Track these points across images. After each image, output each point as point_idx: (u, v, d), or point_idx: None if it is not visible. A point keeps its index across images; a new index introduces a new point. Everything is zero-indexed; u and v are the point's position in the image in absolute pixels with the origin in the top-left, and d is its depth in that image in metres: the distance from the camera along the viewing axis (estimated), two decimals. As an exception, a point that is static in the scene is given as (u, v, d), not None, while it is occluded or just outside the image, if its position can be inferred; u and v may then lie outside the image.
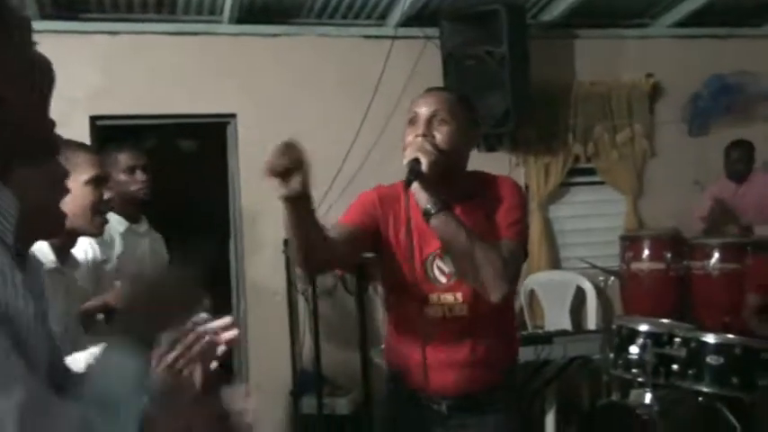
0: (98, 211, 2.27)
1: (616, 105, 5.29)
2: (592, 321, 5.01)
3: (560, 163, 5.22)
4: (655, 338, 3.20)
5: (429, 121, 2.04)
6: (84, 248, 2.76)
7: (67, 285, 2.23)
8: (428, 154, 1.96)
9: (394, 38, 4.91)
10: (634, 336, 3.26)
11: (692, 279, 4.71)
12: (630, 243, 4.93)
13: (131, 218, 3.32)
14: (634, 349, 3.20)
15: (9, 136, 0.95)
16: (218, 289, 2.50)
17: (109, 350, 1.06)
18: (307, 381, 4.48)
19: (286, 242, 4.58)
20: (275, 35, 4.88)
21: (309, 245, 1.88)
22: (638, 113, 5.32)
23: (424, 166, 1.94)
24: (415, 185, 1.97)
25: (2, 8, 0.92)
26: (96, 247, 2.88)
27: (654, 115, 5.39)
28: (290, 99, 4.78)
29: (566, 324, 4.93)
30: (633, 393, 3.23)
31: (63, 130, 1.19)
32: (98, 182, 2.28)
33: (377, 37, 5.00)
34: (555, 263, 5.27)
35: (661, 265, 4.79)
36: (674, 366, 3.13)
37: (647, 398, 3.11)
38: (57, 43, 2.31)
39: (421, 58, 4.93)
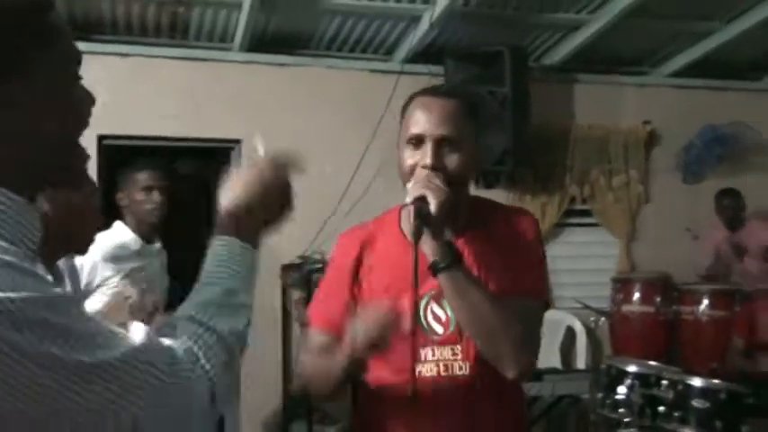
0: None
1: (613, 150, 5.41)
2: (581, 361, 5.08)
3: (556, 203, 5.32)
4: (643, 380, 3.25)
5: (437, 147, 1.62)
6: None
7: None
8: (439, 193, 1.55)
9: (400, 73, 5.02)
10: (622, 376, 3.31)
11: (680, 323, 4.78)
12: (622, 285, 5.00)
13: (145, 237, 3.34)
14: (622, 389, 3.25)
15: (43, 165, 0.98)
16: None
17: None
18: (297, 408, 4.52)
19: (284, 268, 4.66)
20: (284, 65, 5.00)
21: (336, 393, 1.70)
22: (633, 159, 5.44)
23: (434, 207, 1.54)
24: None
25: (62, 38, 0.99)
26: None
27: (649, 161, 5.51)
28: (296, 128, 4.87)
29: (555, 362, 4.99)
30: (620, 432, 3.28)
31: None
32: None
33: (383, 72, 5.12)
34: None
35: (651, 309, 4.85)
36: (661, 408, 3.18)
37: (634, 437, 3.16)
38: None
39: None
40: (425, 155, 1.61)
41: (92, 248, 1.96)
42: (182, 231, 4.26)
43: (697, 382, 3.15)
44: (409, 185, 1.60)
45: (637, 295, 4.92)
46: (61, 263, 1.78)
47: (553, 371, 4.38)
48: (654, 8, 4.53)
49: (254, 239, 1.18)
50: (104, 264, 2.98)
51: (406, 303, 1.63)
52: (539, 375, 4.11)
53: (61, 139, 0.98)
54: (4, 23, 0.90)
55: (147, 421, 0.90)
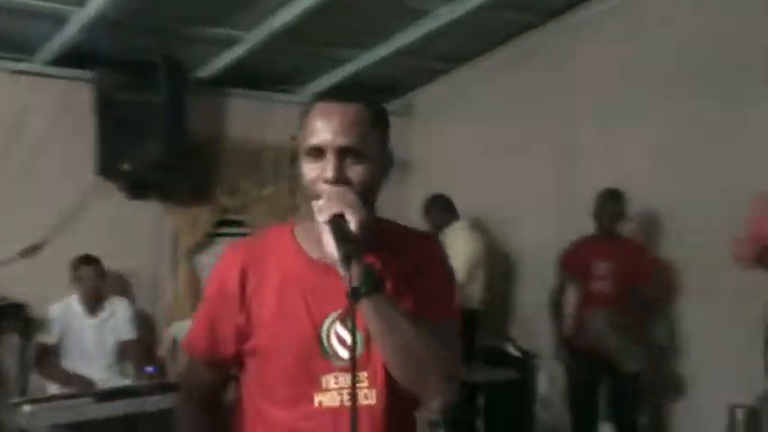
0: None
1: (264, 163, 5.65)
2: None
3: (208, 214, 5.40)
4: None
5: (339, 158, 1.43)
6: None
7: None
8: (359, 210, 1.38)
9: (42, 75, 4.75)
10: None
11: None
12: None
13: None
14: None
15: None
16: None
17: None
18: None
19: None
20: None
21: None
22: (283, 172, 5.73)
23: (355, 225, 1.37)
24: (329, 241, 1.37)
25: None
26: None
27: (297, 174, 5.83)
28: None
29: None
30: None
31: None
32: None
33: (23, 73, 4.78)
34: (199, 311, 5.39)
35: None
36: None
37: None
38: None
39: (71, 101, 4.81)
40: (326, 168, 1.43)
41: None
42: None
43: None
44: (318, 203, 1.40)
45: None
46: None
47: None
48: (302, 33, 4.85)
49: None
50: None
51: (307, 326, 1.48)
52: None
53: None
54: None
55: None
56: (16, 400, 3.62)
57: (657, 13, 4.64)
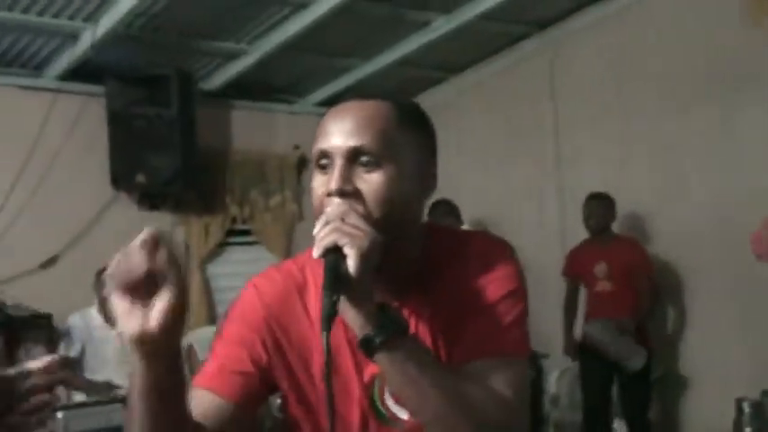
0: None
1: (269, 172, 5.78)
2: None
3: (219, 223, 5.52)
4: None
5: (347, 163, 1.13)
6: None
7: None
8: (358, 239, 1.04)
9: (55, 91, 4.85)
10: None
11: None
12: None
13: None
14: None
15: None
16: None
17: None
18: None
19: None
20: None
21: None
22: (287, 181, 5.86)
23: (353, 263, 1.03)
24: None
25: None
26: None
27: (301, 183, 5.98)
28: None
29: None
30: None
31: None
32: None
33: (35, 89, 4.88)
34: (213, 319, 5.50)
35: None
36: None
37: None
38: None
39: (84, 115, 4.92)
40: (331, 177, 1.12)
41: None
42: None
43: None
44: (316, 228, 1.08)
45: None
46: None
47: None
48: (304, 44, 4.99)
49: None
50: None
51: (355, 387, 1.21)
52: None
53: None
54: None
55: None
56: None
57: (646, 22, 4.81)
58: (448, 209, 5.27)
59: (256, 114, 5.78)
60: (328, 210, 1.10)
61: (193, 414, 1.13)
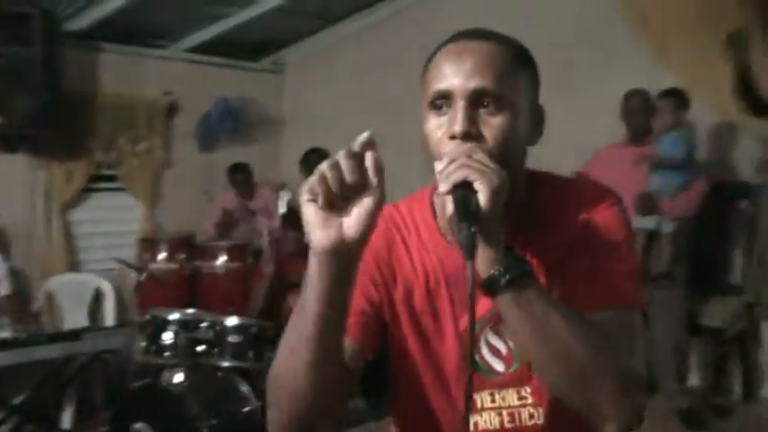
0: None
1: (138, 118, 5.68)
2: (110, 319, 5.29)
3: (83, 169, 5.40)
4: (184, 325, 3.68)
5: (471, 106, 1.11)
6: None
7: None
8: (489, 176, 1.03)
9: None
10: (166, 324, 3.70)
11: (202, 276, 5.35)
12: (148, 245, 5.37)
13: None
14: (167, 336, 3.64)
15: None
16: None
17: None
18: None
19: None
20: None
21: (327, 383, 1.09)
22: (156, 127, 5.79)
23: (484, 198, 1.02)
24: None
25: None
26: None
27: (170, 130, 5.91)
28: None
29: (84, 323, 5.13)
30: (165, 374, 3.65)
31: None
32: None
33: None
34: (74, 265, 5.42)
35: (175, 266, 5.33)
36: (202, 347, 3.66)
37: (179, 377, 3.57)
38: None
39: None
40: (454, 119, 1.11)
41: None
42: None
43: (232, 321, 3.69)
44: (438, 166, 1.07)
45: (162, 254, 5.35)
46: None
47: (89, 329, 4.55)
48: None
49: None
50: None
51: (450, 331, 1.21)
52: (77, 335, 4.25)
53: None
54: None
55: None
56: None
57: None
58: (319, 157, 5.37)
59: (126, 58, 5.64)
60: (452, 148, 1.09)
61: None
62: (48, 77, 4.69)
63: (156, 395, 3.55)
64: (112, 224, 5.68)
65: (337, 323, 1.04)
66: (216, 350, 3.66)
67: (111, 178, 5.69)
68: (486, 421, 1.22)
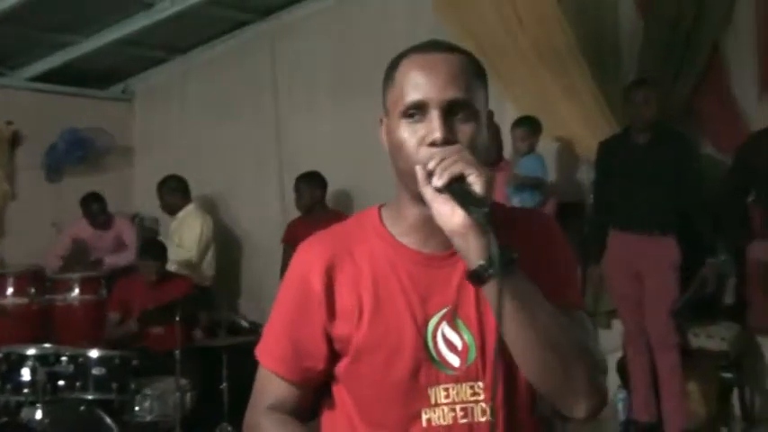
0: None
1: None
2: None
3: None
4: (43, 360, 3.62)
5: (446, 115, 1.19)
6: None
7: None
8: (482, 169, 1.12)
9: None
10: (23, 360, 3.63)
11: (54, 310, 5.20)
12: (-6, 280, 5.17)
13: None
14: (25, 372, 3.57)
15: None
16: None
17: None
18: None
19: None
20: None
21: None
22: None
23: (480, 187, 1.10)
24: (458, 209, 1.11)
25: None
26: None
27: (14, 160, 5.72)
28: None
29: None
30: (24, 411, 3.57)
31: None
32: None
33: None
34: None
35: (25, 300, 5.16)
36: (62, 382, 3.61)
37: (39, 413, 3.51)
38: None
39: None
40: (432, 127, 1.18)
41: None
42: None
43: (95, 353, 3.67)
44: (428, 165, 1.14)
45: (10, 289, 5.17)
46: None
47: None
48: (18, 17, 4.81)
49: None
50: None
51: (410, 329, 1.24)
52: None
53: None
54: None
55: None
56: None
57: (365, 17, 5.28)
58: (178, 185, 5.39)
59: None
60: (435, 151, 1.15)
61: (270, 397, 1.30)
62: None
63: (16, 433, 3.49)
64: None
65: None
66: (78, 384, 3.63)
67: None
68: (439, 417, 1.24)
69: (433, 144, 1.16)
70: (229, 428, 4.12)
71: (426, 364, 1.22)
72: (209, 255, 5.35)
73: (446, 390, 1.23)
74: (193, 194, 5.47)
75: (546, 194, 4.30)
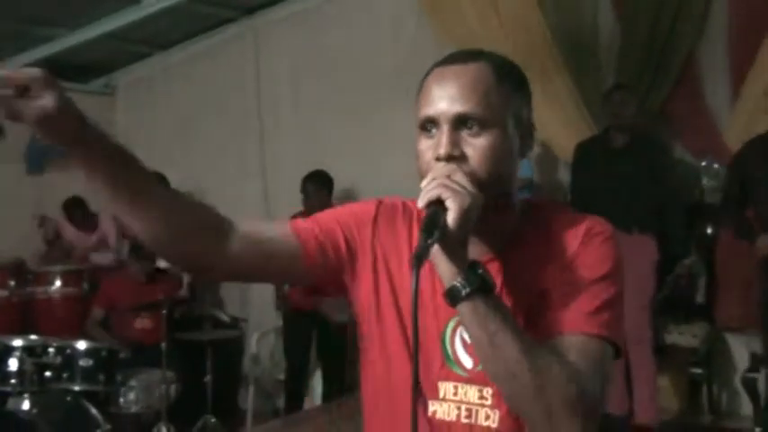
0: None
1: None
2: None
3: None
4: (30, 351, 3.67)
5: (453, 129, 1.19)
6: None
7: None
8: (460, 196, 1.12)
9: None
10: (10, 351, 3.67)
11: (35, 303, 5.23)
12: (-25, 273, 5.18)
13: None
14: (12, 362, 3.61)
15: None
16: None
17: None
18: None
19: None
20: None
21: (155, 218, 1.20)
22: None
23: (452, 216, 1.11)
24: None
25: None
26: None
27: None
28: None
29: None
30: (12, 401, 3.61)
31: None
32: None
33: None
34: None
35: (5, 293, 5.18)
36: (49, 373, 3.66)
37: (26, 403, 3.56)
38: None
39: None
40: (439, 142, 1.19)
41: None
42: None
43: (82, 345, 3.73)
44: (423, 183, 1.17)
45: (-10, 282, 5.18)
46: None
47: None
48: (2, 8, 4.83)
49: None
50: None
51: (431, 324, 1.28)
52: None
53: None
54: None
55: None
56: None
57: (348, 15, 5.35)
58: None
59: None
60: (437, 167, 1.17)
61: (264, 228, 1.30)
62: None
63: (5, 422, 3.53)
64: None
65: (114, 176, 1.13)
66: (65, 375, 3.69)
67: None
68: (444, 412, 1.26)
69: (438, 159, 1.18)
70: (212, 420, 4.21)
71: (439, 360, 1.26)
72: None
73: (455, 387, 1.26)
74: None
75: (534, 194, 4.43)
